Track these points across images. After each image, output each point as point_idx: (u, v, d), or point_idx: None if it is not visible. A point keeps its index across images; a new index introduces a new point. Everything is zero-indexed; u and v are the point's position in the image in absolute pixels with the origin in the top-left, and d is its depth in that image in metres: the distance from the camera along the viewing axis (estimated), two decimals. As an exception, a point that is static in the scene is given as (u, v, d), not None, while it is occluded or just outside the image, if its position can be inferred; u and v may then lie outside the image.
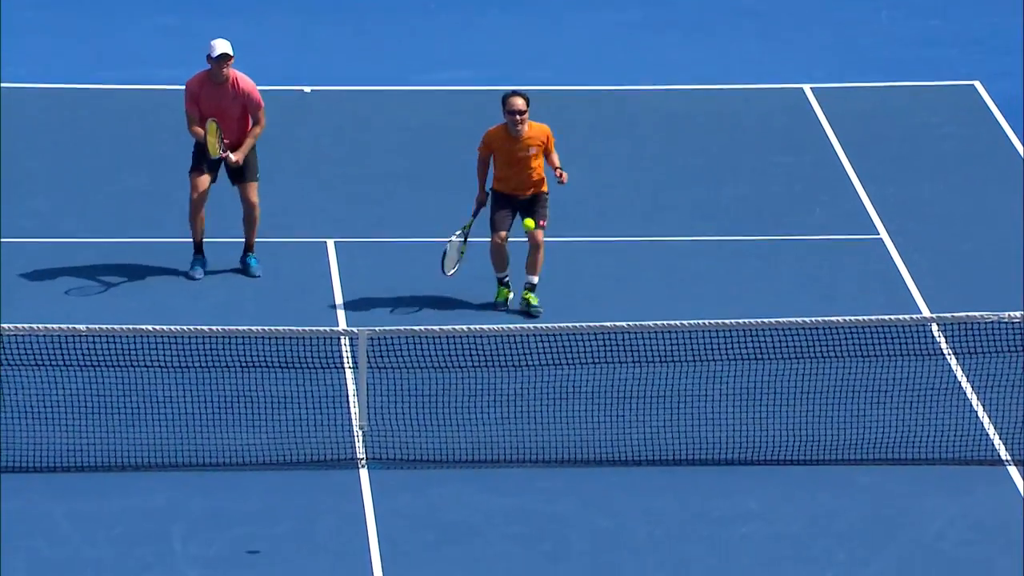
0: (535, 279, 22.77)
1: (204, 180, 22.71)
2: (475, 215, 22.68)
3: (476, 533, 19.14)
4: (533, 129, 22.57)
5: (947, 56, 28.40)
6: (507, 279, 22.86)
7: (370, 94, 25.95)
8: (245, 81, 22.71)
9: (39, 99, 26.80)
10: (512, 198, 22.63)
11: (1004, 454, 20.35)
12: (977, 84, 27.36)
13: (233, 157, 22.53)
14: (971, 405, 20.80)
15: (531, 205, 22.59)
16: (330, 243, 23.53)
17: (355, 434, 20.26)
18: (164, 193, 24.48)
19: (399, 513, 19.33)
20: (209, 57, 22.60)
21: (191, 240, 23.03)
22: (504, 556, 18.71)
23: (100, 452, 20.07)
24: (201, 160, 22.61)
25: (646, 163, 24.80)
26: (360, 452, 20.12)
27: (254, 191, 22.83)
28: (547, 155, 22.57)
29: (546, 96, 25.36)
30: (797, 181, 25.11)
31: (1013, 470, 20.12)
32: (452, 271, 22.62)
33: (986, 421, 20.71)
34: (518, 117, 22.43)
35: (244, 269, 23.11)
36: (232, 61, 22.62)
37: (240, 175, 22.80)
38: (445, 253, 22.60)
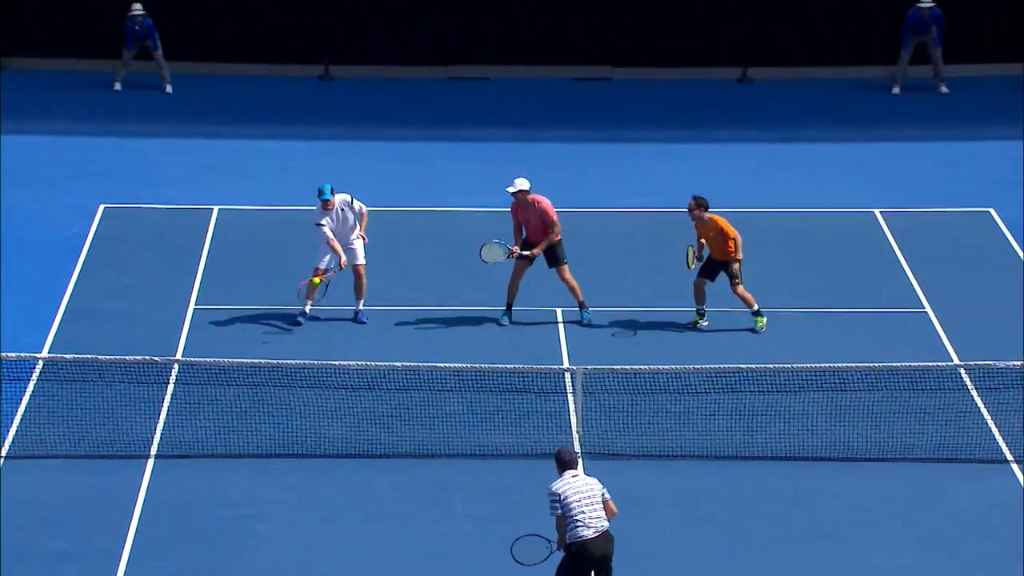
0: (754, 307, 22.66)
1: (521, 267, 22.72)
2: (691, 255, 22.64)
3: (650, 503, 19.20)
4: (710, 219, 22.53)
5: (968, 190, 27.48)
6: (702, 310, 22.79)
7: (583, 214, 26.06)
8: (542, 201, 22.61)
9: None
10: (713, 261, 22.63)
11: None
12: (992, 211, 26.53)
13: (529, 253, 22.56)
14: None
15: (724, 268, 22.57)
16: (559, 311, 23.08)
17: (573, 435, 20.24)
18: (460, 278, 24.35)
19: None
20: (508, 191, 22.68)
21: (506, 301, 22.85)
22: (667, 522, 18.68)
23: (407, 445, 20.08)
24: (519, 254, 22.65)
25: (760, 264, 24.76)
26: (577, 448, 19.98)
27: (566, 271, 22.75)
28: (724, 236, 22.49)
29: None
30: (869, 273, 24.56)
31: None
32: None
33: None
34: (690, 211, 22.52)
35: (581, 321, 22.82)
36: (527, 192, 22.50)
37: (554, 261, 22.74)
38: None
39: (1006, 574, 18.12)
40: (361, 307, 23.06)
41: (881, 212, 26.47)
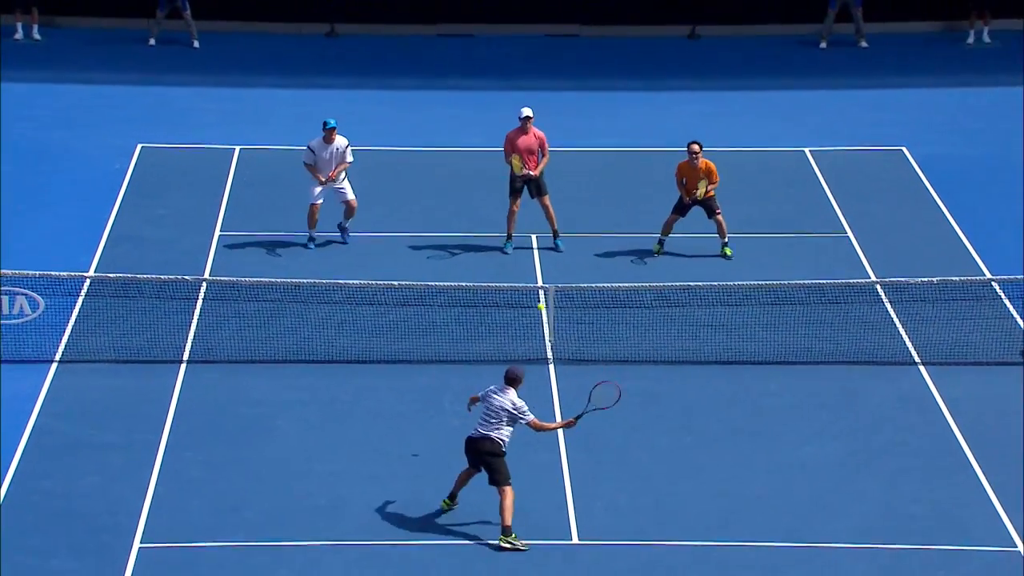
0: (726, 238, 22.36)
1: (516, 200, 22.22)
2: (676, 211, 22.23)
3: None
4: (703, 162, 22.31)
5: (884, 131, 27.27)
6: (663, 240, 22.41)
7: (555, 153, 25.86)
8: (538, 131, 22.22)
9: (383, 157, 25.57)
10: (693, 202, 22.34)
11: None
12: (904, 149, 26.42)
13: (533, 174, 22.11)
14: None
15: (706, 203, 22.30)
16: (534, 237, 22.75)
17: (546, 344, 20.20)
18: (459, 208, 24.05)
19: (572, 388, 19.10)
20: (519, 117, 22.21)
21: (506, 231, 22.37)
22: (626, 418, 18.09)
23: (403, 352, 19.97)
24: (514, 187, 22.24)
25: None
26: (549, 354, 20.04)
27: (547, 199, 22.29)
28: (708, 176, 22.24)
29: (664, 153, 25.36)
30: (800, 203, 24.42)
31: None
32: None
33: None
34: (694, 155, 22.16)
35: (555, 248, 22.51)
36: (532, 120, 22.11)
37: (537, 191, 22.28)
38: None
39: (913, 459, 18.18)
40: (347, 225, 22.72)
41: (810, 151, 26.38)
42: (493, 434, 16.58)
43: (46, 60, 30.07)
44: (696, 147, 22.38)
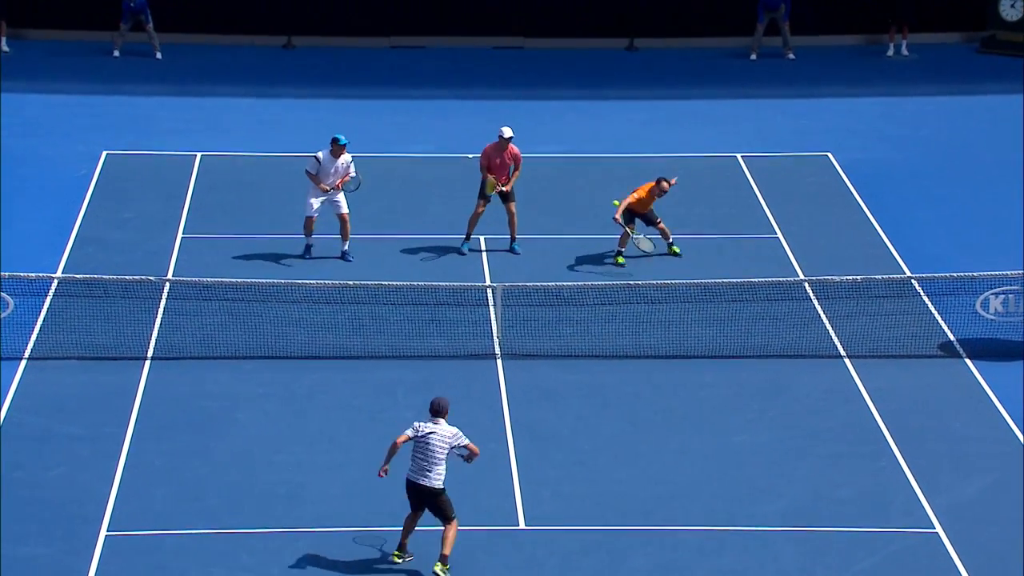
0: (670, 239, 22.33)
1: (483, 204, 22.24)
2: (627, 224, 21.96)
3: (558, 393, 19.01)
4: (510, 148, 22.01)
5: (811, 138, 27.41)
6: (622, 252, 22.18)
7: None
8: (514, 148, 22.16)
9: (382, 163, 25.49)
10: (633, 212, 22.14)
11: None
12: (829, 155, 26.58)
13: (505, 188, 22.10)
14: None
15: (645, 216, 22.16)
16: (482, 239, 22.67)
17: (494, 340, 20.11)
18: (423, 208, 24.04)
19: (519, 382, 19.32)
20: (500, 136, 22.12)
21: (466, 232, 22.40)
22: (572, 409, 18.53)
23: (358, 348, 19.87)
24: (482, 193, 22.25)
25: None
26: (497, 350, 19.94)
27: (514, 206, 22.21)
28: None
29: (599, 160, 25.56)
30: (733, 206, 24.54)
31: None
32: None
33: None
34: (502, 139, 22.01)
35: (512, 250, 22.44)
36: (512, 139, 22.12)
37: (507, 198, 22.22)
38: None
39: (839, 446, 18.22)
40: (346, 247, 22.46)
41: (742, 156, 26.41)
42: (431, 481, 15.65)
43: (14, 71, 29.83)
44: (667, 185, 22.05)
